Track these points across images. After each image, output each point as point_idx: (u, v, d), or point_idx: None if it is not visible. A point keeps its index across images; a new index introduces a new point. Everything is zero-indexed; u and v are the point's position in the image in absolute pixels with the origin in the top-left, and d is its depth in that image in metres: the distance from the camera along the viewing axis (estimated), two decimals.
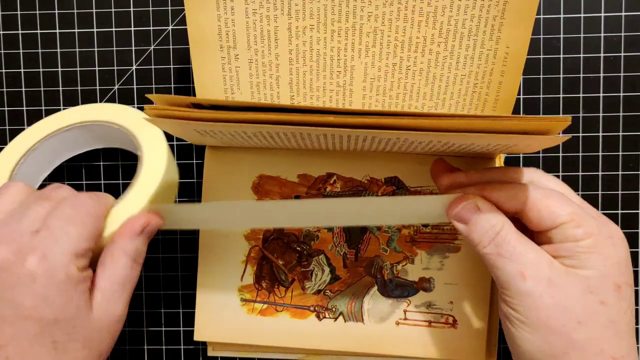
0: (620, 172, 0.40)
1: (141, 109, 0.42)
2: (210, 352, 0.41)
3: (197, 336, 0.40)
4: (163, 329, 0.42)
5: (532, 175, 0.32)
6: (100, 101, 0.42)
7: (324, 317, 0.39)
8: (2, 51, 0.42)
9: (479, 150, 0.33)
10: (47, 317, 0.27)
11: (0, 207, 0.30)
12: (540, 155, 0.40)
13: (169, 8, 0.41)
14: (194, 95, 0.41)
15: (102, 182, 0.42)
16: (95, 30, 0.42)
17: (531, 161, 0.41)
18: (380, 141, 0.31)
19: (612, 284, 0.29)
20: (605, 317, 0.28)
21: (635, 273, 0.41)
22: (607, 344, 0.28)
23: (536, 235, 0.31)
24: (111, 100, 0.42)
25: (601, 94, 0.40)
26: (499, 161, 0.38)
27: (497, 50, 0.34)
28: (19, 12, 0.42)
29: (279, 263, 0.40)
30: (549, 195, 0.30)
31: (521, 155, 0.41)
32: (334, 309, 0.39)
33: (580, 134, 0.40)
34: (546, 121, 0.26)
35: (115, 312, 0.30)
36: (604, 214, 0.39)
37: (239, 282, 0.40)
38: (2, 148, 0.42)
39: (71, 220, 0.29)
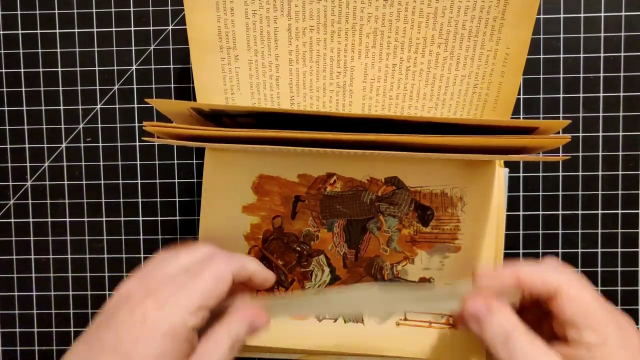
0: (620, 172, 0.41)
1: (141, 108, 0.42)
2: None
3: None
4: None
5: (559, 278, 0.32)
6: (100, 101, 0.42)
7: (324, 318, 0.40)
8: (2, 51, 0.42)
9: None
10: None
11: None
12: (541, 154, 0.41)
13: (169, 8, 0.41)
14: (194, 95, 0.41)
15: (103, 182, 0.43)
16: (95, 30, 0.42)
17: (531, 162, 0.41)
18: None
19: None
20: None
21: (635, 273, 0.41)
22: None
23: (554, 324, 0.31)
24: (111, 100, 0.42)
25: (601, 94, 0.40)
26: (499, 164, 0.39)
27: (497, 51, 0.35)
28: (19, 12, 0.42)
29: (278, 263, 0.40)
30: (581, 297, 0.30)
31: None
32: None
33: (580, 134, 0.41)
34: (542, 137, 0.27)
35: None
36: (603, 214, 0.40)
37: None
38: (4, 148, 0.42)
39: (195, 276, 0.30)
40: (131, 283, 0.31)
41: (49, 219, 0.43)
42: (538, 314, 0.32)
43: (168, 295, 0.29)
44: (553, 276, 0.31)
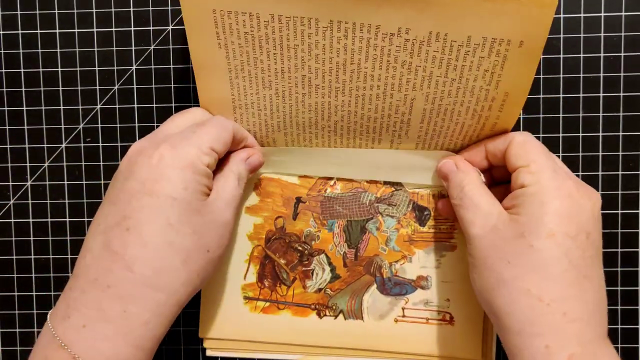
0: (620, 172, 0.41)
1: (141, 108, 0.42)
2: (209, 352, 0.41)
3: (202, 333, 0.41)
4: None
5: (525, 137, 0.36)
6: (100, 101, 0.42)
7: (325, 315, 0.40)
8: (2, 51, 0.43)
9: (477, 106, 0.35)
10: (165, 192, 0.31)
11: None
12: None
13: (169, 8, 0.42)
14: (195, 96, 0.42)
15: (103, 182, 0.43)
16: (95, 30, 0.42)
17: None
18: (381, 56, 0.33)
19: (545, 231, 0.31)
20: (533, 260, 0.31)
21: (635, 273, 0.41)
22: (533, 285, 0.31)
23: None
24: (111, 100, 0.42)
25: (601, 94, 0.41)
26: None
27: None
28: (19, 12, 0.42)
29: (280, 262, 0.41)
30: (526, 142, 0.34)
31: None
32: (334, 307, 0.40)
33: (580, 134, 0.41)
34: None
35: (225, 215, 0.34)
36: (603, 214, 0.40)
37: (242, 280, 0.41)
38: (4, 148, 0.43)
39: (202, 125, 0.34)
40: (139, 143, 0.34)
41: (49, 219, 0.43)
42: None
43: (180, 139, 0.33)
44: (510, 134, 0.36)
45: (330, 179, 0.41)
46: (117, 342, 0.30)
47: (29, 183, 0.43)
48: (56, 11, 0.42)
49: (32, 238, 0.43)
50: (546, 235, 0.31)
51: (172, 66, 0.42)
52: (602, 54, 0.40)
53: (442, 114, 0.36)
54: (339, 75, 0.35)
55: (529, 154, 0.33)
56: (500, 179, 0.38)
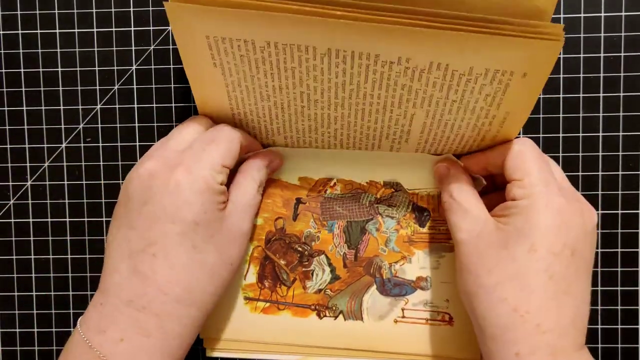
0: (620, 172, 0.41)
1: (141, 108, 0.42)
2: (210, 353, 0.41)
3: (202, 334, 0.41)
4: None
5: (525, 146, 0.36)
6: (100, 101, 0.43)
7: (325, 315, 0.40)
8: (2, 51, 0.43)
9: (478, 121, 0.35)
10: (188, 219, 0.33)
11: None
12: None
13: None
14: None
15: (103, 182, 0.43)
16: (95, 30, 0.42)
17: None
18: (380, 79, 0.33)
19: (528, 245, 0.32)
20: (513, 271, 0.32)
21: (635, 273, 0.41)
22: (510, 295, 0.32)
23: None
24: (111, 100, 0.42)
25: (601, 94, 0.41)
26: None
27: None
28: (19, 12, 0.43)
29: (280, 263, 0.41)
30: (522, 152, 0.34)
31: None
32: (334, 308, 0.40)
33: (580, 134, 0.41)
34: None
35: (243, 226, 0.36)
36: (603, 214, 0.40)
37: (242, 281, 0.41)
38: (4, 148, 0.43)
39: (211, 142, 0.35)
40: (150, 163, 0.34)
41: (49, 219, 0.43)
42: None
43: (192, 161, 0.33)
44: (510, 142, 0.36)
45: (330, 179, 0.41)
46: (154, 355, 0.33)
47: (29, 183, 0.43)
48: (56, 11, 0.42)
49: (32, 238, 0.44)
50: (528, 250, 0.32)
51: (172, 66, 0.42)
52: (602, 54, 0.41)
53: (442, 126, 0.36)
54: (337, 92, 0.35)
55: (523, 166, 0.34)
56: (502, 185, 0.38)
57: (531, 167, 0.34)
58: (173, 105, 0.42)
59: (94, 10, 0.42)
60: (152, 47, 0.42)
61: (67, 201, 0.43)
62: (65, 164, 0.43)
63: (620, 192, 0.41)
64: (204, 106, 0.38)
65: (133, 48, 0.42)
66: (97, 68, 0.43)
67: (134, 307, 0.32)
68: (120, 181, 0.43)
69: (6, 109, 0.43)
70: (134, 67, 0.42)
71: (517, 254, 0.32)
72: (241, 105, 0.37)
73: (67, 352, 0.34)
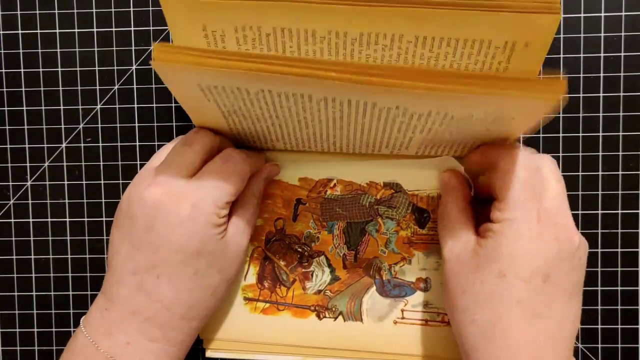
0: (620, 172, 0.41)
1: (141, 108, 0.42)
2: (209, 353, 0.42)
3: (202, 334, 0.41)
4: None
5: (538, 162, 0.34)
6: (100, 101, 0.43)
7: (324, 316, 0.41)
8: (2, 51, 0.43)
9: (479, 133, 0.35)
10: (190, 250, 0.34)
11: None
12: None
13: None
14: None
15: (103, 182, 0.43)
16: (95, 30, 0.42)
17: None
18: (379, 115, 0.33)
19: (496, 270, 0.33)
20: (482, 293, 0.33)
21: (636, 273, 0.41)
22: (480, 316, 0.33)
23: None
24: (111, 100, 0.43)
25: (601, 94, 0.41)
26: None
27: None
28: (18, 12, 0.43)
29: (280, 264, 0.41)
30: (507, 172, 0.33)
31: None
32: (333, 309, 0.41)
33: (580, 134, 0.41)
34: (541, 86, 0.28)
35: (242, 243, 0.37)
36: (603, 214, 0.40)
37: (242, 281, 0.41)
38: (4, 148, 0.43)
39: (220, 177, 0.35)
40: (153, 191, 0.34)
41: (49, 219, 0.44)
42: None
43: (198, 197, 0.34)
44: (503, 152, 0.34)
45: (330, 180, 0.41)
46: (161, 356, 0.35)
47: (29, 183, 0.43)
48: (56, 11, 0.43)
49: (32, 238, 0.44)
50: (497, 274, 0.32)
51: None
52: (602, 54, 0.41)
53: (444, 140, 0.36)
54: (335, 122, 0.35)
55: (506, 187, 0.33)
56: None
57: (514, 188, 0.33)
58: (173, 105, 0.43)
59: (94, 10, 0.42)
60: (152, 47, 0.42)
61: (67, 201, 0.43)
62: (65, 164, 0.43)
63: (620, 192, 0.41)
64: (199, 123, 0.38)
65: (133, 48, 0.43)
66: (97, 68, 0.43)
67: (139, 318, 0.34)
68: (121, 181, 0.43)
69: (6, 109, 0.43)
70: (134, 67, 0.43)
71: (487, 277, 0.33)
72: (239, 125, 0.37)
73: (72, 352, 0.35)
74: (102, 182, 0.43)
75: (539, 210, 0.33)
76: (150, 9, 0.42)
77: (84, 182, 0.43)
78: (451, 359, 0.40)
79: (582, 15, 0.41)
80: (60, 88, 0.43)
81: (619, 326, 0.42)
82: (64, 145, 0.43)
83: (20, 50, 0.43)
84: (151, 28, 0.42)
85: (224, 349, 0.42)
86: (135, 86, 0.43)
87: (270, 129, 0.37)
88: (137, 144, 0.43)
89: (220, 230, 0.35)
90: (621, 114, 0.41)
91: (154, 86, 0.43)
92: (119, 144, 0.43)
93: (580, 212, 0.41)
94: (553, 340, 0.32)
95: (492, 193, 0.35)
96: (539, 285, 0.32)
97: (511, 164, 0.33)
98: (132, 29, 0.42)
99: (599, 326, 0.42)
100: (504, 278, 0.32)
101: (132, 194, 0.35)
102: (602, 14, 0.41)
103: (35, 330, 0.44)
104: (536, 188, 0.33)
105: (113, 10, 0.42)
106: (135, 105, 0.43)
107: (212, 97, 0.33)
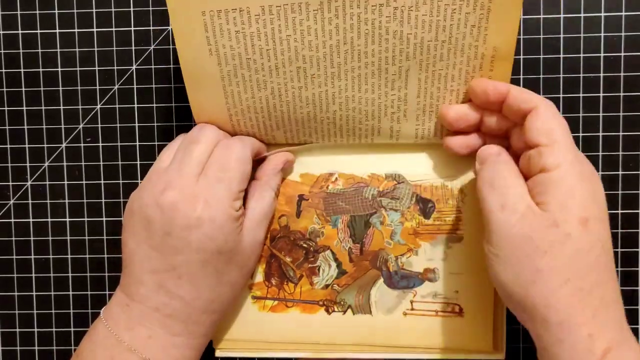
0: (620, 172, 0.41)
1: (141, 108, 0.43)
2: (219, 353, 0.42)
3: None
4: None
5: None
6: (100, 101, 0.43)
7: (333, 310, 0.41)
8: (2, 51, 0.43)
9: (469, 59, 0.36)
10: (211, 249, 0.34)
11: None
12: None
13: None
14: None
15: (103, 182, 0.43)
16: (95, 30, 0.43)
17: None
18: (372, 33, 0.35)
19: (578, 218, 0.31)
20: (570, 249, 0.31)
21: (636, 273, 0.42)
22: (572, 274, 0.30)
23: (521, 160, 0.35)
24: (111, 100, 0.43)
25: (601, 94, 0.41)
26: None
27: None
28: (18, 12, 0.43)
29: (286, 260, 0.41)
30: (551, 118, 0.33)
31: None
32: (342, 303, 0.41)
33: (580, 134, 0.41)
34: None
35: (259, 237, 0.39)
36: None
37: (249, 280, 0.41)
38: (4, 148, 0.43)
39: (225, 167, 0.36)
40: (170, 195, 0.34)
41: (49, 219, 0.44)
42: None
43: (210, 194, 0.35)
44: (536, 97, 0.34)
45: (332, 175, 0.41)
46: (184, 350, 0.36)
47: (29, 183, 0.44)
48: (56, 11, 0.43)
49: (32, 238, 0.44)
50: (579, 222, 0.31)
51: (172, 66, 0.43)
52: (602, 54, 0.41)
53: (436, 82, 0.37)
54: (333, 58, 0.36)
55: (553, 132, 0.32)
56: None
57: (561, 133, 0.32)
58: (173, 105, 0.43)
59: (94, 10, 0.43)
60: (152, 47, 0.43)
61: (67, 201, 0.44)
62: (65, 164, 0.43)
63: (620, 192, 0.42)
64: (200, 113, 0.38)
65: (133, 48, 0.43)
66: (97, 68, 0.43)
67: (161, 314, 0.35)
68: (121, 181, 0.43)
69: (6, 109, 0.43)
70: (134, 67, 0.43)
71: (571, 229, 0.31)
72: (238, 103, 0.37)
73: (93, 343, 0.35)
74: (102, 182, 0.43)
75: (581, 153, 0.34)
76: (151, 9, 0.42)
77: (84, 182, 0.44)
78: (463, 349, 0.40)
79: (582, 15, 0.41)
80: (60, 88, 0.43)
81: None
82: (64, 145, 0.43)
83: (20, 50, 0.43)
84: (151, 28, 0.43)
85: (234, 348, 0.42)
86: (135, 86, 0.43)
87: (270, 104, 0.38)
88: (137, 144, 0.43)
89: (237, 224, 0.36)
90: (621, 114, 0.41)
91: (154, 86, 0.43)
92: (119, 144, 0.43)
93: None
94: (619, 289, 0.32)
95: (528, 142, 0.33)
96: (607, 225, 0.32)
97: (550, 110, 0.33)
98: (132, 29, 0.43)
99: None
100: (587, 223, 0.31)
101: (145, 198, 0.35)
102: (602, 14, 0.41)
103: (36, 330, 0.44)
104: (568, 129, 0.33)
105: (113, 10, 0.43)
106: (135, 105, 0.43)
107: (214, 43, 0.35)
